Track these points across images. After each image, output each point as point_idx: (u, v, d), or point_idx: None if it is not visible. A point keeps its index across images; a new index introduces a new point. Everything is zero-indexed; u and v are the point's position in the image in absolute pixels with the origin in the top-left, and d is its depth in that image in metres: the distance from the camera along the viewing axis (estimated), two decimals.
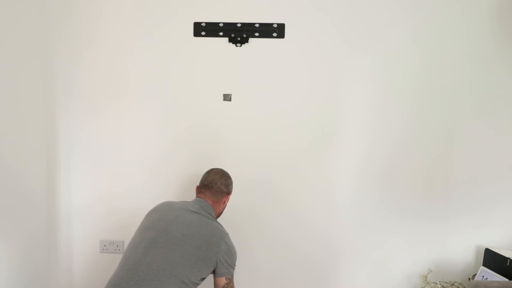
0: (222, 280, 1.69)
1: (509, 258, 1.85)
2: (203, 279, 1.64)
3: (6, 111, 1.77)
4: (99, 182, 2.16)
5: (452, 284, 2.03)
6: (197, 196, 1.84)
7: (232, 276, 1.72)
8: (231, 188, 1.88)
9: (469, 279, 2.04)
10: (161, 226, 1.64)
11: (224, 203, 1.86)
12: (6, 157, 1.78)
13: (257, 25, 2.07)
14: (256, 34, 2.07)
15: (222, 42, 2.09)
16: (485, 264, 1.98)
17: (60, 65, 2.09)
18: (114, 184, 2.15)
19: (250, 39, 2.08)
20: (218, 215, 1.85)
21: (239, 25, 2.07)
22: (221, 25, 2.07)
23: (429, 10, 2.04)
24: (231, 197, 1.92)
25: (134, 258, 1.56)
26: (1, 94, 1.74)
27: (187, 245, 1.59)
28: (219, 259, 1.64)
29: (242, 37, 2.07)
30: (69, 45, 2.09)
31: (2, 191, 1.75)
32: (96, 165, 2.15)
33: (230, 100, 2.11)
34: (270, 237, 2.16)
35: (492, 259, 1.95)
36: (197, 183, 1.88)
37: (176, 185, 2.13)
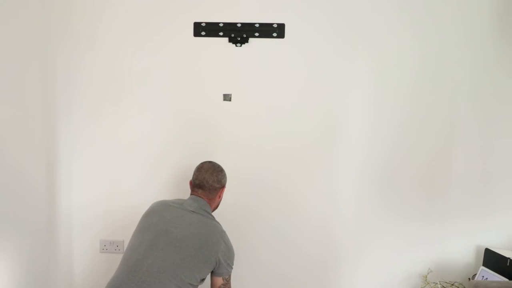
0: (219, 280, 1.70)
1: (509, 258, 1.85)
2: (203, 280, 1.64)
3: (7, 113, 1.78)
4: (99, 182, 2.16)
5: (452, 284, 2.03)
6: (191, 194, 1.81)
7: (229, 276, 1.72)
8: (225, 181, 1.85)
9: (469, 279, 2.04)
10: (160, 227, 1.63)
11: (220, 197, 1.84)
12: (7, 158, 1.78)
13: (257, 25, 2.07)
14: (256, 34, 2.07)
15: (222, 42, 2.09)
16: (485, 264, 1.98)
17: (61, 67, 2.09)
18: (114, 184, 2.15)
19: (250, 39, 2.08)
20: (215, 209, 1.84)
21: (239, 25, 2.07)
22: (221, 25, 2.07)
23: (428, 10, 2.04)
24: (232, 196, 1.92)
25: (135, 260, 1.56)
26: (3, 96, 1.75)
27: (188, 247, 1.59)
28: (219, 259, 1.65)
29: (242, 37, 2.07)
30: (70, 49, 2.09)
31: (3, 191, 1.75)
32: (96, 165, 2.15)
33: (230, 100, 2.11)
34: (270, 236, 2.16)
35: (492, 259, 1.95)
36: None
37: (176, 185, 2.13)
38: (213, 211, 1.82)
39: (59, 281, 2.17)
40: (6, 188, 1.77)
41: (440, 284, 2.03)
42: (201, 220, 1.68)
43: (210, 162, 1.85)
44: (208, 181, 1.77)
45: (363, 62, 2.07)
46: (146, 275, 1.51)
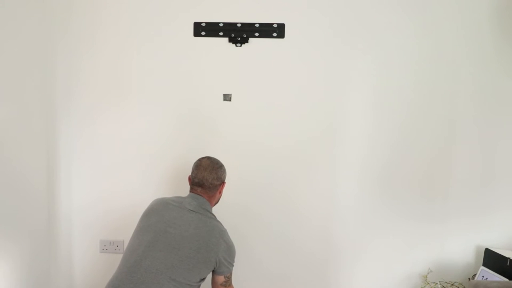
0: (221, 278, 1.69)
1: (509, 258, 1.86)
2: (203, 279, 1.64)
3: (7, 112, 1.77)
4: (99, 182, 2.16)
5: (452, 284, 2.03)
6: (191, 191, 1.78)
7: (230, 274, 1.72)
8: (224, 176, 1.82)
9: (469, 279, 2.04)
10: (159, 228, 1.63)
11: (220, 193, 1.82)
12: (7, 158, 1.78)
13: (257, 25, 2.07)
14: (256, 34, 2.07)
15: (222, 42, 2.09)
16: (485, 264, 1.98)
17: (61, 67, 2.09)
18: (114, 184, 2.15)
19: (250, 39, 2.08)
20: (215, 203, 1.83)
21: (239, 25, 2.07)
22: (221, 25, 2.07)
23: (428, 11, 2.04)
24: (232, 195, 1.91)
25: (133, 261, 1.55)
26: (3, 96, 1.75)
27: (186, 248, 1.58)
28: (219, 258, 1.64)
29: (242, 37, 2.07)
30: (70, 48, 2.09)
31: (3, 192, 1.75)
32: (96, 165, 2.15)
33: (230, 100, 2.11)
34: (270, 235, 2.16)
35: (492, 259, 1.95)
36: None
37: (176, 184, 2.13)
38: (213, 206, 1.81)
39: (59, 281, 2.17)
40: (6, 188, 1.77)
41: (440, 284, 2.03)
42: (200, 220, 1.67)
43: (208, 158, 1.81)
44: (207, 179, 1.74)
45: (363, 61, 2.07)
46: (145, 276, 1.51)
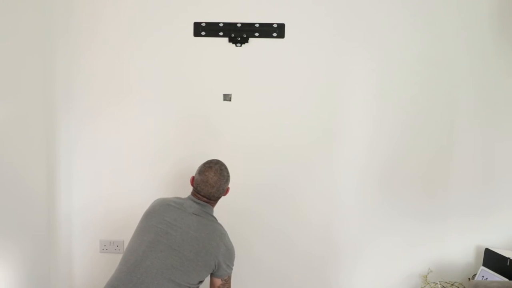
0: (218, 281, 1.70)
1: (509, 258, 1.85)
2: (201, 282, 1.64)
3: (6, 113, 1.77)
4: (99, 182, 2.16)
5: (452, 284, 2.03)
6: (193, 195, 1.76)
7: (229, 277, 1.72)
8: (229, 182, 1.80)
9: (469, 279, 2.04)
10: (160, 229, 1.63)
11: (224, 195, 1.82)
12: (7, 158, 1.78)
13: (257, 25, 2.07)
14: (256, 34, 2.07)
15: (222, 42, 2.09)
16: (485, 264, 1.98)
17: (61, 67, 2.09)
18: (114, 184, 2.15)
19: (250, 39, 2.08)
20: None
21: (239, 25, 2.07)
22: (221, 25, 2.07)
23: (429, 10, 2.04)
24: (231, 196, 1.91)
25: (133, 261, 1.56)
26: (2, 96, 1.75)
27: (186, 251, 1.59)
28: (218, 261, 1.65)
29: (242, 37, 2.07)
30: (69, 47, 2.09)
31: (2, 192, 1.75)
32: (96, 165, 2.15)
33: (230, 100, 2.11)
34: (270, 235, 2.16)
35: (492, 259, 1.95)
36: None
37: (176, 184, 2.12)
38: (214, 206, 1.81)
39: (60, 281, 2.16)
40: (6, 189, 1.77)
41: (440, 284, 2.03)
42: (200, 223, 1.67)
43: (214, 173, 1.73)
44: (214, 194, 1.74)
45: (364, 62, 2.07)
46: (145, 275, 1.51)
